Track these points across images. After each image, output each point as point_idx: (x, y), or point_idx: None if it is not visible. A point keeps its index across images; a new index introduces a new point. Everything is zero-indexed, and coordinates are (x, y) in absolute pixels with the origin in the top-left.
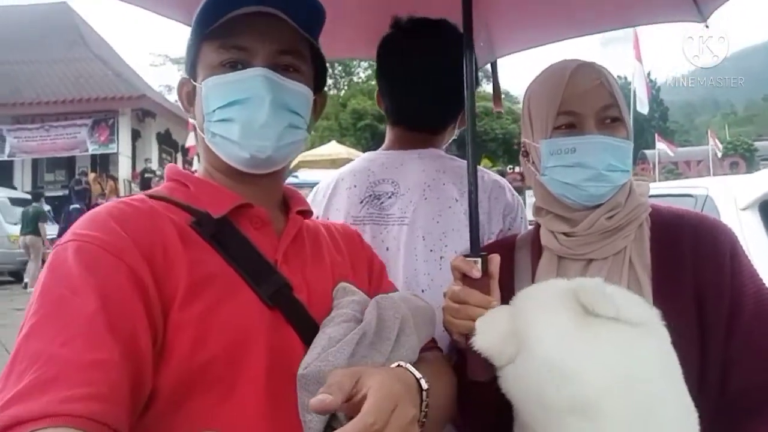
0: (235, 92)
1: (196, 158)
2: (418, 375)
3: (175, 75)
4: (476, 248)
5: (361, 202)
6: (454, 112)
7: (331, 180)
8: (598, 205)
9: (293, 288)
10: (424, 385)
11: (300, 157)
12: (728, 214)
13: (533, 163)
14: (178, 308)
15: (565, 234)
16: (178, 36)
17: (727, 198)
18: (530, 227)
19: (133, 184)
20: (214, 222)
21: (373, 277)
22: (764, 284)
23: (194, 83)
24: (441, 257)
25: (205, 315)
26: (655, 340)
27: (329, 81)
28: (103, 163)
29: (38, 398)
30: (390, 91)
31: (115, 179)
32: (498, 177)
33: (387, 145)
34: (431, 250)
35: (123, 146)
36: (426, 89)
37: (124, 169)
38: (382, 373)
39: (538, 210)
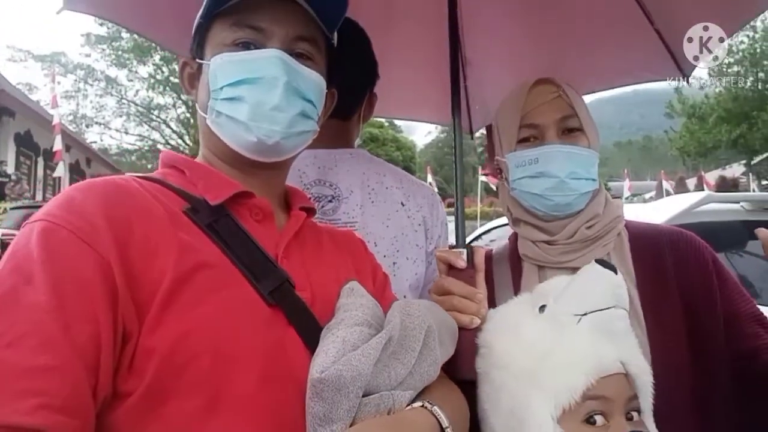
0: (248, 71)
1: (60, 165)
2: (445, 423)
3: (40, 75)
4: (462, 240)
5: None
6: (360, 99)
7: None
8: (571, 214)
9: (295, 285)
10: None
11: None
12: None
13: (505, 179)
14: (162, 300)
15: (546, 243)
16: (42, 34)
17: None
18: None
19: None
20: (211, 209)
21: (377, 288)
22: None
23: (200, 61)
24: (394, 263)
25: (192, 306)
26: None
27: None
28: None
29: None
30: None
31: None
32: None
33: None
34: (384, 256)
35: None
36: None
37: None
38: None
39: (515, 221)
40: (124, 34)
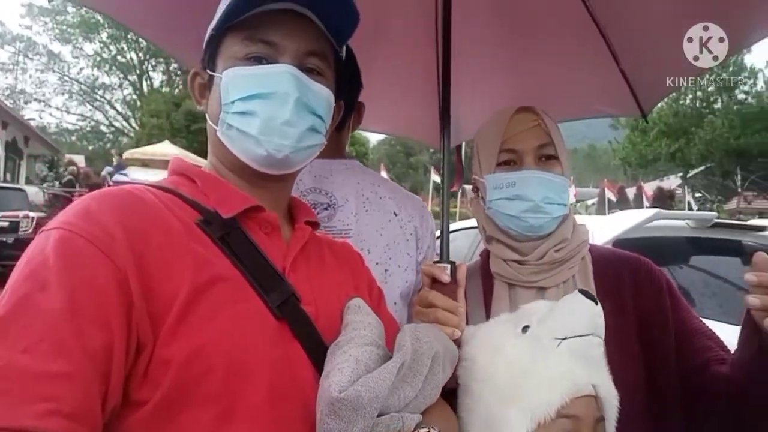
0: (260, 85)
1: None
2: None
3: None
4: (446, 256)
5: None
6: (351, 109)
7: None
8: (542, 236)
9: (301, 299)
10: None
11: (127, 154)
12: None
13: (482, 198)
14: (179, 311)
15: (518, 262)
16: None
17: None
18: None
19: None
20: (223, 222)
21: (372, 302)
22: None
23: (211, 73)
24: (386, 270)
25: (208, 319)
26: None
27: (162, 77)
28: None
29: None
30: None
31: None
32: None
33: None
34: (377, 263)
35: None
36: None
37: None
38: None
39: (488, 239)
40: (70, 9)
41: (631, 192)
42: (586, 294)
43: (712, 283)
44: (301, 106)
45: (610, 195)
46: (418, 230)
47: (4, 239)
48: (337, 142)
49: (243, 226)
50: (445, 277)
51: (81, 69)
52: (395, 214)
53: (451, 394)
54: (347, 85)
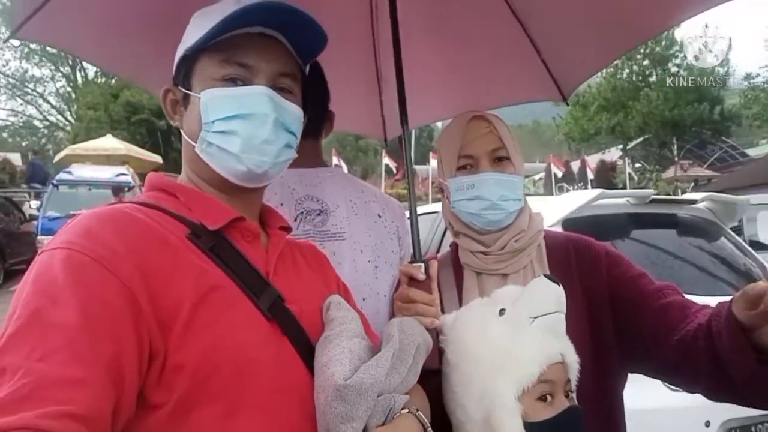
0: (239, 106)
1: None
2: (427, 425)
3: None
4: (418, 256)
5: (295, 220)
6: (325, 117)
7: None
8: (502, 228)
9: (285, 300)
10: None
11: (68, 150)
12: None
13: (447, 198)
14: (185, 319)
15: (483, 253)
16: None
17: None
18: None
19: None
20: (209, 234)
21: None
22: (646, 274)
23: (185, 91)
24: (376, 267)
25: (210, 324)
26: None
27: (95, 68)
28: None
29: (11, 415)
30: None
31: None
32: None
33: None
34: (368, 261)
35: None
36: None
37: None
38: None
39: (456, 233)
40: None
41: (575, 165)
42: (549, 278)
43: (652, 254)
44: (278, 125)
45: (555, 170)
46: (400, 230)
47: None
48: (316, 149)
49: (227, 236)
50: (421, 276)
51: (8, 61)
52: (379, 216)
53: (425, 374)
54: (318, 96)
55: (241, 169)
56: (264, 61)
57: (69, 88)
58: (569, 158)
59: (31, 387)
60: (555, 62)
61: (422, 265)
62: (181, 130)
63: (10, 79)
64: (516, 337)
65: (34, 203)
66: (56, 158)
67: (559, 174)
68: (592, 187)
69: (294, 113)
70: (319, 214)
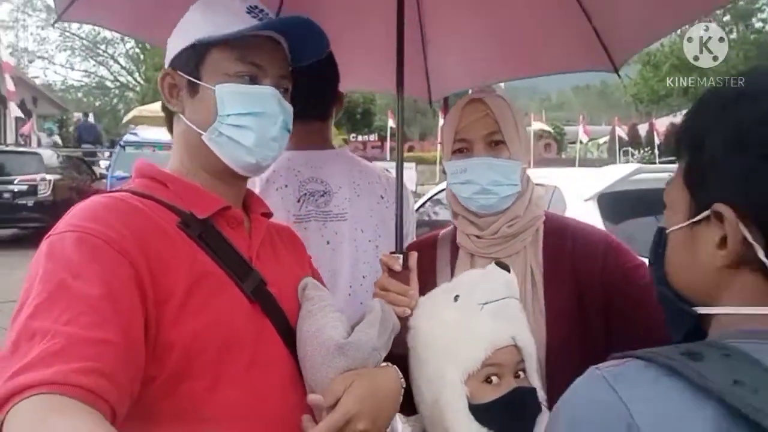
0: (253, 104)
1: (12, 105)
2: (400, 375)
3: None
4: (400, 246)
5: (299, 201)
6: (334, 99)
7: (256, 181)
8: (497, 213)
9: (267, 283)
10: (403, 383)
11: (135, 112)
12: (573, 203)
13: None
14: (179, 302)
15: (477, 236)
16: None
17: (573, 190)
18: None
19: None
20: (198, 222)
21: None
22: (644, 266)
23: (192, 80)
24: (377, 246)
25: (201, 307)
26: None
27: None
28: None
29: (45, 369)
30: None
31: None
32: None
33: (294, 142)
34: (369, 241)
35: None
36: (312, 84)
37: None
38: (365, 382)
39: (454, 215)
40: None
41: (643, 129)
42: (501, 265)
43: None
44: (283, 125)
45: (621, 132)
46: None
47: (24, 202)
48: (324, 132)
49: (214, 224)
50: (397, 267)
51: (81, 24)
52: (382, 197)
53: (395, 358)
54: (329, 78)
55: (250, 161)
56: (270, 63)
57: (137, 50)
58: (637, 121)
59: (61, 345)
60: (607, 30)
61: (401, 256)
62: (182, 116)
63: (84, 42)
64: (464, 323)
65: (103, 163)
66: (125, 119)
67: (625, 137)
68: (659, 153)
69: (290, 112)
70: (322, 195)
